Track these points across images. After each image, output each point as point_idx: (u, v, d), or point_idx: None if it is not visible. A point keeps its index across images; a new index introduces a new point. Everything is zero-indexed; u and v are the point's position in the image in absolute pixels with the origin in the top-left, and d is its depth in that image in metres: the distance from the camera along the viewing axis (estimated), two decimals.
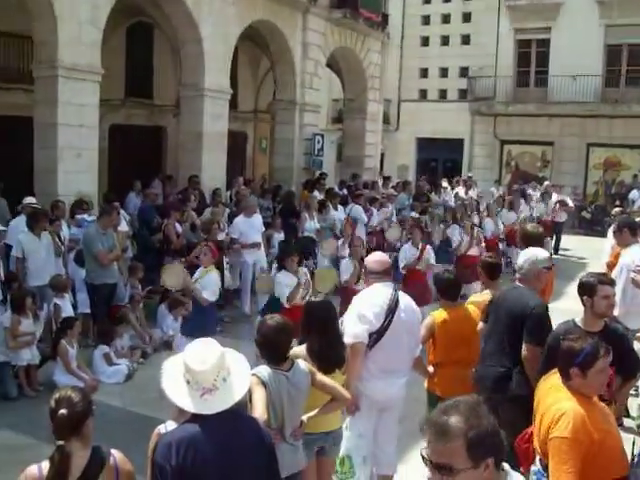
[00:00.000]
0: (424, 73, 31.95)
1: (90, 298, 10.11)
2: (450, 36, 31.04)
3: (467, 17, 30.57)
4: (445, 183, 22.84)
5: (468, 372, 5.91)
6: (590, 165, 28.31)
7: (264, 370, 4.40)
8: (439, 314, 6.09)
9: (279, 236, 13.37)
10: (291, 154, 18.71)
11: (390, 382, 5.53)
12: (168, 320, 10.54)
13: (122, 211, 12.40)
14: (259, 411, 4.07)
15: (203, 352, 3.32)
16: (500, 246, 15.94)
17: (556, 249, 19.48)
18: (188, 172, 14.97)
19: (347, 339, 5.27)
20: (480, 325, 6.08)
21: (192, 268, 9.46)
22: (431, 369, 6.08)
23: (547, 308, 5.64)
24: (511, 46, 29.03)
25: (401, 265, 11.20)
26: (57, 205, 11.06)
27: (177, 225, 12.14)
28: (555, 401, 3.93)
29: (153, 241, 12.24)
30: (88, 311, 10.22)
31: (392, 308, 5.46)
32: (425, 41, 31.78)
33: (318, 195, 15.99)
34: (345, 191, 17.90)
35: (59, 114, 11.69)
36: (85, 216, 11.26)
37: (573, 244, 20.89)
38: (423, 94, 32.10)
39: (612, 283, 5.38)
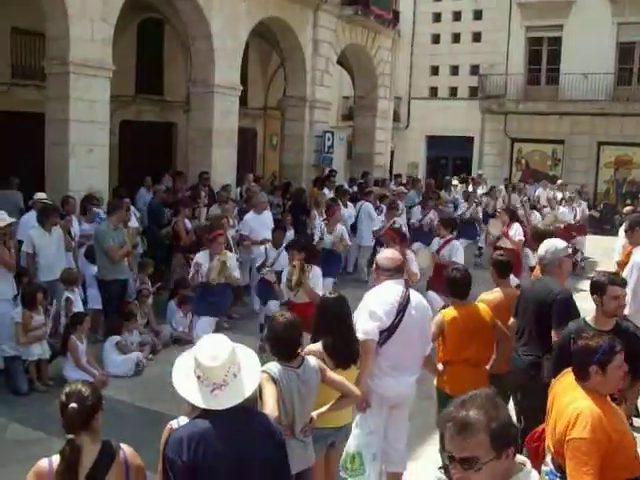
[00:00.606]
0: (435, 71, 31.87)
1: (101, 294, 10.12)
2: (461, 33, 30.97)
3: (478, 14, 30.46)
4: (455, 181, 22.78)
5: (478, 370, 5.91)
6: (601, 164, 28.19)
7: (274, 367, 4.40)
8: (449, 312, 6.07)
9: (289, 233, 13.35)
10: (301, 151, 18.72)
11: (401, 380, 5.52)
12: (177, 316, 10.56)
13: (132, 207, 12.43)
14: (270, 407, 4.07)
15: (214, 348, 3.32)
16: None
17: None
18: (198, 168, 14.99)
19: (358, 336, 5.26)
20: (511, 320, 6.27)
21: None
22: (441, 367, 6.07)
23: (571, 295, 5.72)
24: (522, 44, 28.92)
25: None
26: (67, 200, 11.08)
27: (187, 221, 12.15)
28: (571, 401, 3.90)
29: (162, 237, 12.25)
30: (98, 307, 10.24)
31: (403, 305, 5.45)
32: (436, 38, 31.70)
33: (328, 192, 15.98)
34: (355, 188, 17.88)
35: (70, 110, 11.73)
36: (100, 211, 11.32)
37: (581, 243, 20.75)
38: (433, 92, 32.04)
39: (623, 284, 5.35)
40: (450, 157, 31.81)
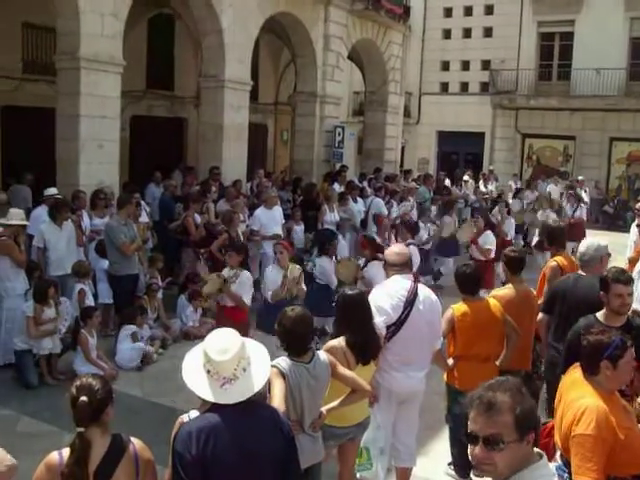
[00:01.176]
0: (445, 66, 31.76)
1: (113, 289, 10.13)
2: (472, 28, 30.81)
3: (490, 9, 30.31)
4: (467, 177, 22.71)
5: (488, 365, 5.89)
6: (613, 159, 28.04)
7: (284, 361, 4.40)
8: (459, 307, 6.06)
9: (299, 228, 13.37)
10: (311, 146, 18.71)
11: (409, 374, 5.52)
12: (187, 311, 10.58)
13: (142, 202, 12.45)
14: (277, 402, 4.08)
15: (224, 342, 3.32)
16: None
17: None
18: (208, 164, 14.99)
19: None
20: (540, 316, 6.33)
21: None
22: (451, 362, 6.06)
23: None
24: (534, 39, 28.81)
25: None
26: (78, 195, 11.10)
27: (196, 216, 12.16)
28: (578, 397, 3.89)
29: (172, 231, 12.27)
30: (108, 301, 10.27)
31: (410, 300, 5.44)
32: (447, 33, 31.57)
33: (338, 188, 15.97)
34: (365, 184, 17.86)
35: (81, 105, 11.75)
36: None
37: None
38: (444, 87, 31.93)
39: (627, 282, 5.30)
40: (461, 153, 31.71)
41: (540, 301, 6.77)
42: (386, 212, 14.99)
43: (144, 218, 11.85)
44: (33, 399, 7.89)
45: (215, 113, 15.28)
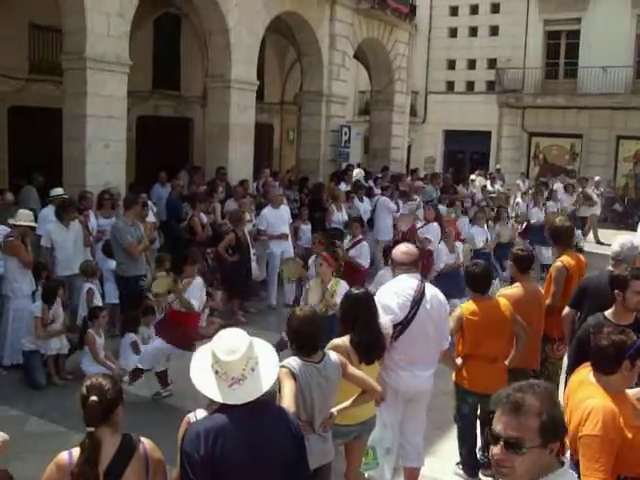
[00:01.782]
0: (451, 64, 31.66)
1: (120, 290, 10.14)
2: (478, 27, 30.71)
3: (496, 8, 30.18)
4: (474, 176, 22.65)
5: (497, 365, 5.88)
6: (620, 158, 27.93)
7: (294, 361, 4.39)
8: (468, 306, 6.04)
9: (306, 227, 13.37)
10: (318, 146, 18.68)
11: (416, 373, 5.50)
12: None
13: (149, 202, 12.46)
14: (287, 403, 4.07)
15: (232, 342, 3.31)
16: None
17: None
18: (215, 163, 15.00)
19: None
20: (566, 310, 6.29)
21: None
22: (459, 361, 6.04)
23: None
24: (540, 37, 28.70)
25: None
26: (85, 196, 11.11)
27: (202, 216, 12.17)
28: (585, 397, 3.86)
29: (180, 231, 12.27)
30: (115, 301, 10.27)
31: (417, 299, 5.43)
32: (453, 32, 31.46)
33: (344, 187, 15.96)
34: (372, 183, 17.82)
35: (87, 105, 11.74)
36: None
37: (604, 237, 20.63)
38: (450, 86, 31.84)
39: None
40: (467, 152, 31.63)
41: (548, 301, 6.75)
42: (394, 208, 14.90)
43: (151, 218, 11.86)
44: (41, 399, 7.90)
45: (221, 113, 15.27)
